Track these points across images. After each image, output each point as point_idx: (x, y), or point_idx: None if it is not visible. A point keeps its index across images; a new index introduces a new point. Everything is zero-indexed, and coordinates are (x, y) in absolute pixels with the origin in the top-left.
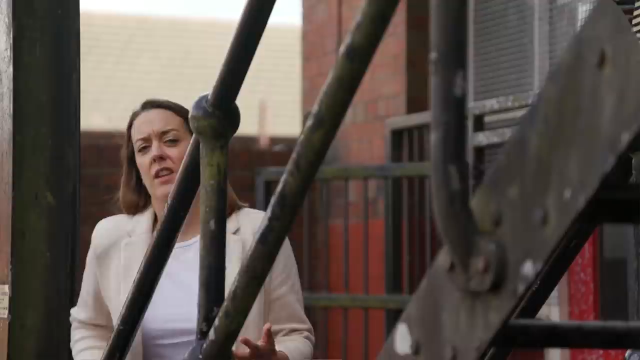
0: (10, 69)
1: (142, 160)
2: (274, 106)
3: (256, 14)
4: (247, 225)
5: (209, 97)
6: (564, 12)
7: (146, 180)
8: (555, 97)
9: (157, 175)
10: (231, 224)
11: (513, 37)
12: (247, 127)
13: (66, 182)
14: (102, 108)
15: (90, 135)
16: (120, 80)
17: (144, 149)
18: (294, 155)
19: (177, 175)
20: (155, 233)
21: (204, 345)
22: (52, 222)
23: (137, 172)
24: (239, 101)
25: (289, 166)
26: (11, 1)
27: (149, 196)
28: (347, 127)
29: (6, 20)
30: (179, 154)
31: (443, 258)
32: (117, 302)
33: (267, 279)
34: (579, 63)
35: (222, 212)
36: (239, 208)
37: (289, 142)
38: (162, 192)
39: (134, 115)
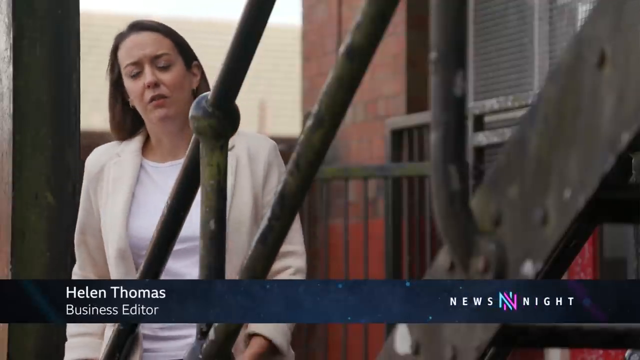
0: (10, 69)
1: (134, 86)
2: (274, 106)
3: (256, 14)
4: (241, 143)
5: (209, 97)
6: (564, 12)
7: (139, 106)
8: (555, 97)
9: (150, 100)
10: None
11: (513, 37)
12: (247, 127)
13: (66, 182)
14: (102, 108)
15: (90, 135)
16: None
17: (136, 75)
18: (294, 155)
19: (177, 175)
20: (155, 232)
21: (204, 345)
22: (52, 222)
23: (123, 96)
24: (239, 101)
25: (289, 166)
26: (11, 1)
27: (139, 121)
28: (347, 127)
29: (6, 20)
30: (172, 79)
31: (443, 258)
32: (105, 215)
33: (260, 193)
34: (579, 63)
35: (222, 212)
36: None
37: (289, 142)
38: (156, 115)
39: (121, 38)
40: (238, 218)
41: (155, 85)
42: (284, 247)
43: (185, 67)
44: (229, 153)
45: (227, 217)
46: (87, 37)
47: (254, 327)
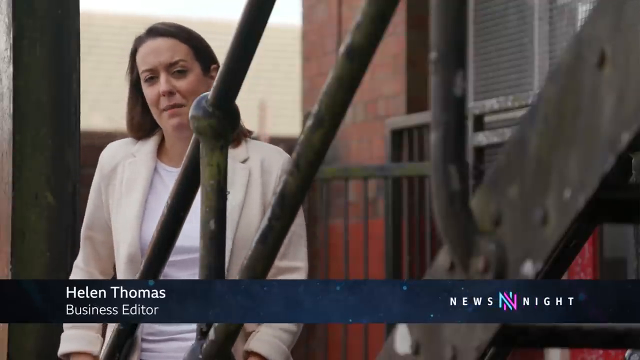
0: (10, 69)
1: (150, 92)
2: (274, 106)
3: (256, 14)
4: (255, 156)
5: (209, 97)
6: (564, 12)
7: (154, 112)
8: (555, 97)
9: (165, 109)
10: (240, 153)
11: (513, 37)
12: (247, 127)
13: (66, 182)
14: (102, 108)
15: (90, 135)
16: (120, 80)
17: (151, 80)
18: (294, 155)
19: (177, 176)
20: (155, 233)
21: (204, 345)
22: (52, 222)
23: (143, 98)
24: (239, 101)
25: (289, 166)
26: (11, 1)
27: (155, 122)
28: (347, 127)
29: (6, 20)
30: (188, 86)
31: (443, 258)
32: (117, 216)
33: (266, 198)
34: (579, 63)
35: (222, 212)
36: (246, 136)
37: (289, 142)
38: (171, 124)
39: (139, 42)
40: (245, 236)
41: (170, 93)
42: (291, 263)
43: (202, 72)
44: (242, 166)
45: (233, 234)
46: (87, 37)
47: (251, 346)
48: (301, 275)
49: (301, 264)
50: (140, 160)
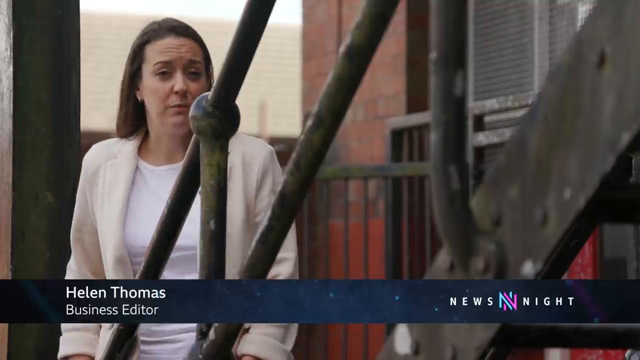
0: (10, 69)
1: (160, 86)
2: (274, 106)
3: (256, 14)
4: (236, 150)
5: (209, 97)
6: (564, 12)
7: (157, 106)
8: (555, 97)
9: (174, 106)
10: None
11: (513, 37)
12: (247, 127)
13: (66, 182)
14: (102, 108)
15: (90, 135)
16: (120, 80)
17: (163, 74)
18: (294, 155)
19: (178, 175)
20: (154, 233)
21: (204, 345)
22: (52, 222)
23: (135, 91)
24: (239, 101)
25: (289, 166)
26: (11, 1)
27: (141, 118)
28: (347, 127)
29: (6, 20)
30: (198, 90)
31: (443, 258)
32: (101, 219)
33: (253, 201)
34: (579, 63)
35: (222, 212)
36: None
37: (289, 142)
38: (175, 121)
39: (155, 35)
40: (227, 230)
41: (184, 93)
42: (280, 254)
43: (206, 79)
44: None
45: None
46: (87, 37)
47: (239, 350)
48: (288, 266)
49: (290, 254)
50: (121, 162)
